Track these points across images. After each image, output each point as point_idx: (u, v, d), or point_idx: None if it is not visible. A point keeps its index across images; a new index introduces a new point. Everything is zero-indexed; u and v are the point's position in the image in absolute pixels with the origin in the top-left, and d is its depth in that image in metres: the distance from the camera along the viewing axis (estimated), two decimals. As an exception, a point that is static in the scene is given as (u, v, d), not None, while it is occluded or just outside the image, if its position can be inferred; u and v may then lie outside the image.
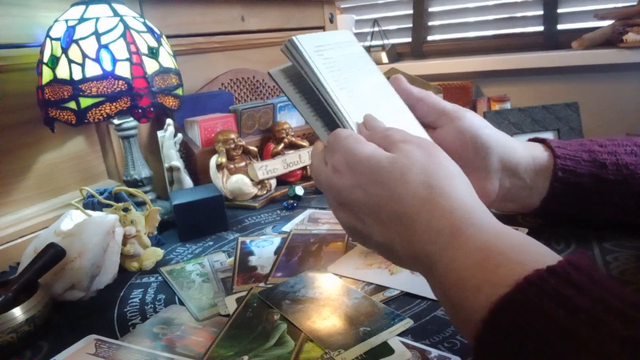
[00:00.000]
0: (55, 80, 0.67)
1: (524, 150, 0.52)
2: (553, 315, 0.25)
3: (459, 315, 0.31)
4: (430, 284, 0.35)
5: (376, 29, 2.12)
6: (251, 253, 0.64)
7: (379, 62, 2.08)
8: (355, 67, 0.46)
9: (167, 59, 0.73)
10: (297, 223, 0.74)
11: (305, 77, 0.43)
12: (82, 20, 0.67)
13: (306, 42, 0.43)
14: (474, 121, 0.49)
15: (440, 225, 0.33)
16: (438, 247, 0.33)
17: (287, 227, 0.72)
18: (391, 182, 0.35)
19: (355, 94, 0.44)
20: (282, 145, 0.95)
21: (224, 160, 0.86)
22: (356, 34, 2.27)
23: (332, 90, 0.43)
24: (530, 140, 0.57)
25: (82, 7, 0.69)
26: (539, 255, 0.29)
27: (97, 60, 0.66)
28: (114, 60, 0.67)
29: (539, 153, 0.53)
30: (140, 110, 0.68)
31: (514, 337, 0.26)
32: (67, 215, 0.63)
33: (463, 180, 0.36)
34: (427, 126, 0.50)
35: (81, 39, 0.66)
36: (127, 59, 0.67)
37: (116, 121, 0.75)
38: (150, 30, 0.72)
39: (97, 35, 0.66)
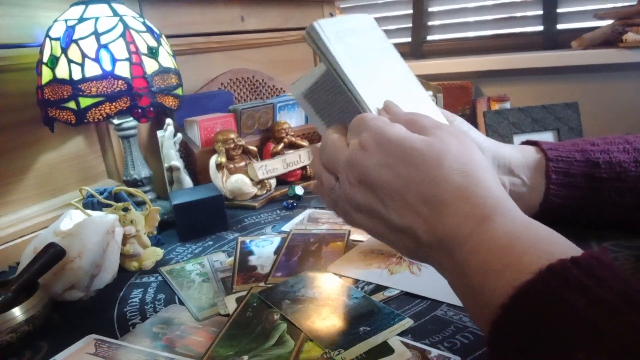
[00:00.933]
0: (55, 80, 0.67)
1: (511, 149, 0.53)
2: (574, 304, 0.25)
3: (477, 300, 0.31)
4: (448, 272, 0.35)
5: (376, 28, 2.12)
6: (251, 253, 0.64)
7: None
8: (376, 54, 0.46)
9: (166, 59, 0.73)
10: (297, 223, 0.74)
11: (325, 63, 0.43)
12: (81, 20, 0.67)
13: (327, 27, 0.43)
14: (464, 124, 0.50)
15: (472, 212, 0.33)
16: (466, 231, 0.33)
17: (286, 227, 0.72)
18: (425, 165, 0.35)
19: (376, 82, 0.44)
20: (281, 145, 0.95)
21: (223, 160, 0.86)
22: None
23: (352, 77, 0.42)
24: (523, 143, 0.57)
25: (82, 7, 0.69)
26: (566, 248, 0.30)
27: (97, 60, 0.66)
28: (114, 60, 0.67)
29: (531, 153, 0.54)
30: (139, 110, 0.68)
31: (533, 323, 0.26)
32: (66, 215, 0.63)
33: (493, 173, 0.37)
34: None
35: (81, 38, 0.66)
36: (126, 59, 0.67)
37: (116, 121, 0.75)
38: (149, 30, 0.72)
39: (97, 35, 0.66)
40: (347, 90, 0.42)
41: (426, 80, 1.44)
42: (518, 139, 1.22)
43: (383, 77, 0.45)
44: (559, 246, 0.30)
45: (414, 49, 2.08)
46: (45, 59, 0.68)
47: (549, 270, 0.26)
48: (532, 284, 0.27)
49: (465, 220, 0.33)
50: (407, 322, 0.44)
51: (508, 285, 0.28)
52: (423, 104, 0.46)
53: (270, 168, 0.87)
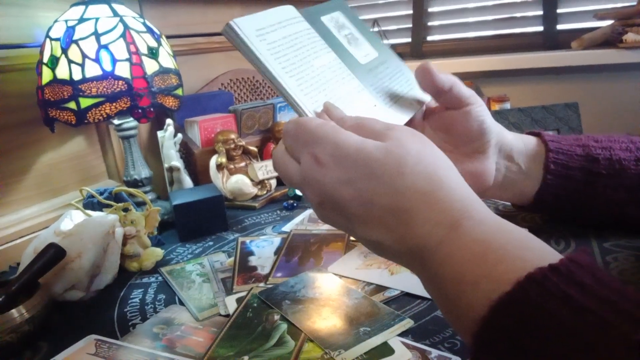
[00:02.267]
0: (55, 81, 0.67)
1: (514, 136, 0.54)
2: (557, 315, 0.24)
3: (454, 312, 0.30)
4: (423, 280, 0.34)
5: (376, 29, 2.12)
6: (251, 253, 0.64)
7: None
8: (302, 49, 0.43)
9: (166, 59, 0.73)
10: (297, 223, 0.74)
11: (253, 64, 0.40)
12: (81, 20, 0.67)
13: (246, 27, 0.40)
14: (484, 109, 0.50)
15: (440, 219, 0.32)
16: (435, 240, 0.31)
17: (287, 227, 0.72)
18: (386, 175, 0.33)
19: (306, 80, 0.41)
20: (282, 145, 0.95)
21: (224, 160, 0.86)
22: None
23: (281, 78, 0.39)
24: (527, 133, 0.58)
25: (82, 7, 0.69)
26: (541, 252, 0.29)
27: (97, 60, 0.66)
28: (114, 61, 0.67)
29: (532, 142, 0.54)
30: (140, 111, 0.68)
31: (516, 336, 0.25)
32: (67, 215, 0.63)
33: (456, 171, 0.35)
34: (438, 107, 0.51)
35: (81, 39, 0.66)
36: (126, 59, 0.67)
37: (116, 121, 0.76)
38: (149, 31, 0.72)
39: (97, 35, 0.66)
40: (279, 93, 0.40)
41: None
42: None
43: (313, 74, 0.42)
44: (534, 250, 0.29)
45: (414, 49, 2.08)
46: (45, 60, 0.68)
47: (528, 279, 0.25)
48: (511, 294, 0.26)
49: (434, 227, 0.32)
50: (408, 323, 0.44)
51: (485, 297, 0.27)
52: (358, 97, 0.44)
53: (270, 168, 0.87)
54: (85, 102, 0.66)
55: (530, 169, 0.54)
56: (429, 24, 2.06)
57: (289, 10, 0.45)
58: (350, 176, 0.34)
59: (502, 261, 0.28)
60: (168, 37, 0.79)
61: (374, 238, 0.34)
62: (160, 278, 0.61)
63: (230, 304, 0.51)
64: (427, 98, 0.52)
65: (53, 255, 0.53)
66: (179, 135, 0.86)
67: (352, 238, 0.65)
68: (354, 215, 0.34)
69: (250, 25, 0.41)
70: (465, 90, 0.49)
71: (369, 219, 0.34)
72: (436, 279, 0.31)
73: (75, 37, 0.66)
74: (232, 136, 0.88)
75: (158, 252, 0.66)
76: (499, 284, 0.26)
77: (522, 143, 0.54)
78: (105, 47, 0.66)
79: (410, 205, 0.32)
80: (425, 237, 0.32)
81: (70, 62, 0.66)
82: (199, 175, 0.90)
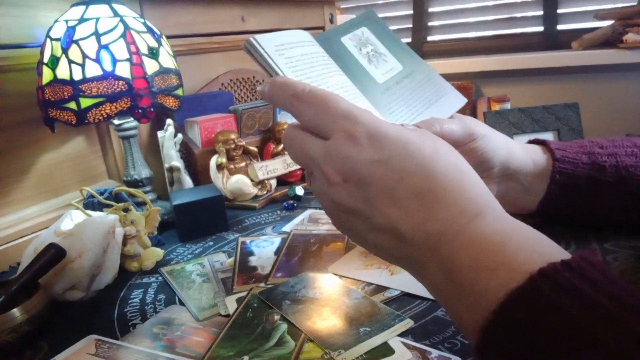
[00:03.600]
0: (56, 81, 0.67)
1: (525, 156, 0.53)
2: (567, 309, 0.24)
3: (464, 300, 0.30)
4: (430, 270, 0.33)
5: (376, 29, 2.12)
6: (251, 253, 0.64)
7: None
8: (317, 67, 0.45)
9: (167, 59, 0.74)
10: (297, 223, 0.74)
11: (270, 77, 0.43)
12: (82, 20, 0.67)
13: (265, 43, 0.43)
14: (486, 141, 0.49)
15: (465, 206, 0.32)
16: (456, 227, 0.32)
17: (287, 227, 0.72)
18: (420, 158, 0.33)
19: None
20: (282, 145, 0.95)
21: (224, 160, 0.86)
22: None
23: None
24: (530, 141, 0.57)
25: (82, 7, 0.69)
26: (556, 250, 0.29)
27: (97, 60, 0.66)
28: (114, 61, 0.67)
29: (539, 156, 0.54)
30: (140, 111, 0.68)
31: (526, 330, 0.25)
32: (67, 215, 0.63)
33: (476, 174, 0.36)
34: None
35: (81, 39, 0.66)
36: (127, 59, 0.67)
37: (116, 121, 0.76)
38: (150, 31, 0.73)
39: (97, 35, 0.66)
40: None
41: (426, 80, 1.44)
42: (518, 139, 1.22)
43: (329, 89, 0.44)
44: (549, 248, 0.29)
45: (415, 50, 2.08)
46: (45, 59, 0.68)
47: (540, 273, 0.26)
48: (523, 288, 0.26)
49: (459, 214, 0.32)
50: (408, 323, 0.44)
51: (502, 284, 0.27)
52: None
53: (270, 168, 0.87)
54: (85, 102, 0.66)
55: (534, 186, 0.53)
56: (429, 24, 2.06)
57: (305, 34, 0.47)
58: (384, 155, 0.34)
59: (520, 252, 0.29)
60: (168, 37, 0.79)
61: (389, 224, 0.33)
62: (160, 278, 0.61)
63: (231, 304, 0.51)
64: (454, 109, 0.51)
65: (53, 255, 0.53)
66: (179, 135, 0.86)
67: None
68: (377, 195, 0.34)
69: (269, 42, 0.43)
70: (457, 133, 0.47)
71: (391, 202, 0.33)
72: (450, 265, 0.31)
73: (75, 37, 0.66)
74: (232, 136, 0.88)
75: (158, 252, 0.66)
76: (517, 274, 0.27)
77: (531, 163, 0.53)
78: (106, 47, 0.66)
79: (439, 189, 0.33)
80: (447, 222, 0.32)
81: (70, 62, 0.66)
82: (199, 175, 0.90)
